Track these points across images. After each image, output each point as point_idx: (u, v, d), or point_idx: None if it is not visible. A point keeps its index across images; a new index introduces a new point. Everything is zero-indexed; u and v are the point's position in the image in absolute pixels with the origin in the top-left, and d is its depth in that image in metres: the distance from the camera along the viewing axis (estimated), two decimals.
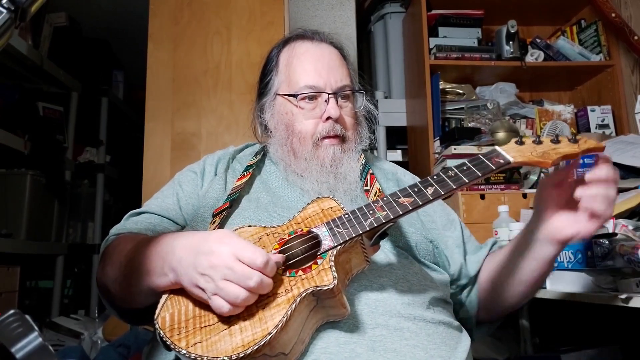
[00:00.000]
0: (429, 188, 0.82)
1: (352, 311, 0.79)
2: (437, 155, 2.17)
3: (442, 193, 0.81)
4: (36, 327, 0.45)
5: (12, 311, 0.46)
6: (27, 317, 0.46)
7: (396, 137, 2.55)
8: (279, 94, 1.10)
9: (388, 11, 2.67)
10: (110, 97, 3.28)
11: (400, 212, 0.80)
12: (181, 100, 1.93)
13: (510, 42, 2.31)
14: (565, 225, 0.86)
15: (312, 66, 1.07)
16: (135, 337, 1.72)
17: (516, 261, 0.97)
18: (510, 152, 0.85)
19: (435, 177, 0.84)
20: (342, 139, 1.06)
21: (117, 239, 0.97)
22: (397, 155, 2.47)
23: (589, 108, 2.31)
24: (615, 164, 1.71)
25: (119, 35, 3.38)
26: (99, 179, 3.12)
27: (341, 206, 0.87)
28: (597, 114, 2.30)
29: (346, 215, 0.83)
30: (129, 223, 1.03)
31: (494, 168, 0.84)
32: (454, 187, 0.82)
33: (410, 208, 0.81)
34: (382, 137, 2.43)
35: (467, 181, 0.82)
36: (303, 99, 1.06)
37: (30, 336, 0.45)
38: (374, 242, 0.83)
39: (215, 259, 0.71)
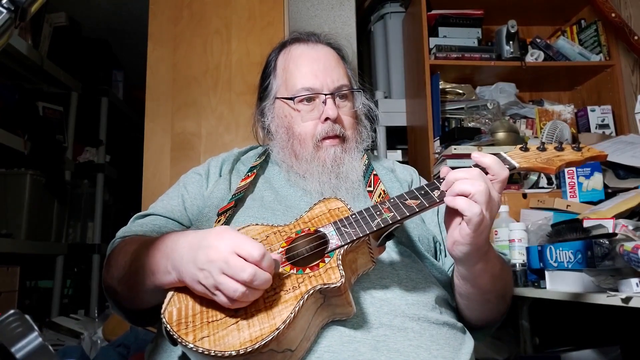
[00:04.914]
0: (436, 191, 0.84)
1: (356, 310, 0.80)
2: (437, 155, 2.17)
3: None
4: (36, 327, 0.45)
5: (12, 311, 0.46)
6: (27, 317, 0.46)
7: (396, 137, 2.55)
8: (277, 98, 1.11)
9: (388, 11, 2.67)
10: (110, 97, 3.28)
11: (407, 214, 0.82)
12: (181, 100, 1.93)
13: (510, 42, 2.31)
14: (448, 238, 0.84)
15: (308, 68, 1.08)
16: (135, 337, 1.72)
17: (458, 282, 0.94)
18: (515, 158, 0.88)
19: (442, 180, 0.85)
20: (342, 139, 1.07)
21: (123, 241, 0.98)
22: (397, 155, 2.47)
23: (589, 108, 2.31)
24: (616, 164, 1.72)
25: (119, 35, 3.38)
26: (99, 179, 3.12)
27: (348, 207, 0.88)
28: (597, 114, 2.30)
29: (353, 216, 0.84)
30: (135, 225, 1.03)
31: None
32: None
33: (417, 210, 0.82)
34: (382, 137, 2.43)
35: None
36: (301, 101, 1.07)
37: (30, 336, 0.45)
38: (380, 242, 0.85)
39: (213, 253, 0.71)
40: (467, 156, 2.02)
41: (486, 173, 0.83)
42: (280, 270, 0.77)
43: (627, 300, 1.01)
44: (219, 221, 0.97)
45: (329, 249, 0.80)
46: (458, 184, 0.79)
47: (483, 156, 0.84)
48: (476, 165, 0.85)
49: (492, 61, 2.30)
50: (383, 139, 2.44)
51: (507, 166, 0.85)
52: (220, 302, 0.71)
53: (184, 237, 0.79)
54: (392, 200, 0.85)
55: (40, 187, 2.57)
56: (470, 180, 0.79)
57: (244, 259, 0.70)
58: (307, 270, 0.77)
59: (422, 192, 0.84)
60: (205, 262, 0.71)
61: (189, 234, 0.79)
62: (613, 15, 2.17)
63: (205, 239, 0.74)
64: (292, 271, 0.78)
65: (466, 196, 0.78)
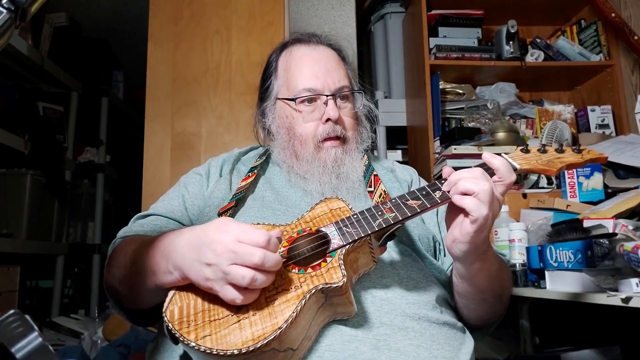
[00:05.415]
0: (437, 192, 0.84)
1: (357, 309, 0.80)
2: (437, 155, 2.17)
3: (450, 197, 0.83)
4: (36, 327, 0.45)
5: (12, 311, 0.46)
6: (27, 317, 0.46)
7: (396, 137, 2.55)
8: (279, 98, 1.11)
9: (388, 11, 2.67)
10: (110, 97, 3.28)
11: (409, 214, 0.82)
12: (181, 100, 1.93)
13: (510, 42, 2.31)
14: (448, 237, 0.85)
15: (309, 69, 1.08)
16: (135, 337, 1.72)
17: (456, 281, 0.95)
18: (516, 160, 0.88)
19: (443, 181, 0.85)
20: (343, 140, 1.07)
21: (124, 241, 0.98)
22: (397, 155, 2.47)
23: (589, 108, 2.31)
24: (616, 164, 1.72)
25: (119, 35, 3.38)
26: (99, 179, 3.12)
27: (349, 207, 0.89)
28: (597, 114, 2.30)
29: (355, 216, 0.84)
30: (135, 226, 1.03)
31: None
32: None
33: (419, 210, 0.82)
34: (382, 137, 2.43)
35: None
36: (302, 102, 1.07)
37: (30, 336, 0.45)
38: (381, 242, 0.85)
39: (218, 247, 0.71)
40: (467, 156, 2.02)
41: (492, 175, 0.83)
42: (282, 269, 0.77)
43: (627, 300, 1.01)
44: None
45: (331, 248, 0.80)
46: (462, 182, 0.80)
47: (493, 158, 0.85)
48: (480, 165, 0.85)
49: (492, 61, 2.31)
50: (383, 139, 2.44)
51: None
52: (228, 297, 0.71)
53: (181, 236, 0.78)
54: (393, 200, 0.85)
55: (40, 187, 2.57)
56: (474, 179, 0.79)
57: (250, 245, 0.71)
58: (309, 269, 0.77)
59: (424, 193, 0.85)
60: (212, 257, 0.71)
61: (185, 233, 0.79)
62: (613, 15, 2.17)
63: (205, 234, 0.74)
64: (293, 270, 0.78)
65: (470, 195, 0.78)
